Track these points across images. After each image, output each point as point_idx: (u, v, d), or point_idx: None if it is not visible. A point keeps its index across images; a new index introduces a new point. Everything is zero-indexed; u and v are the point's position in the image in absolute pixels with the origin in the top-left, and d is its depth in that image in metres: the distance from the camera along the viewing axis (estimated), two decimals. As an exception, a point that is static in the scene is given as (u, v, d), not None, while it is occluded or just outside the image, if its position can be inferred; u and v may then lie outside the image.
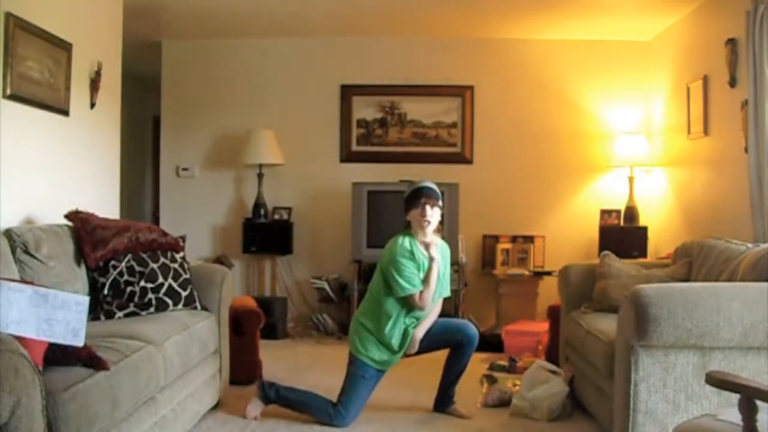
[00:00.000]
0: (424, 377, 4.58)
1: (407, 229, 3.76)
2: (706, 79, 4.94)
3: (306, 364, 4.86)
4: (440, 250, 3.76)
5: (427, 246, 3.70)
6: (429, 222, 3.65)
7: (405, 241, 3.68)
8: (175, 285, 3.62)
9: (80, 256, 3.51)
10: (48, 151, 3.95)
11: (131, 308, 3.48)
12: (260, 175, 6.19)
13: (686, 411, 2.78)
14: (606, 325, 3.45)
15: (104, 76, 4.49)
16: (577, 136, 6.24)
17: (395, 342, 3.67)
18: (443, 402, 3.86)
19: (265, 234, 6.15)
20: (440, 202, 3.73)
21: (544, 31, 6.04)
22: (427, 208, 3.65)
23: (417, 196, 3.68)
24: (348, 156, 6.38)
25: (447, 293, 3.87)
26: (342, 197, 5.95)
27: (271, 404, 3.72)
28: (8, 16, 3.43)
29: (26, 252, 3.17)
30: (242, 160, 6.14)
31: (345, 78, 6.35)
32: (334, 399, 3.67)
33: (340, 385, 3.75)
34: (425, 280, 3.66)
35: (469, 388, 4.24)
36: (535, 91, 6.27)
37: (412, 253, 3.66)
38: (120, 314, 3.45)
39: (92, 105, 4.44)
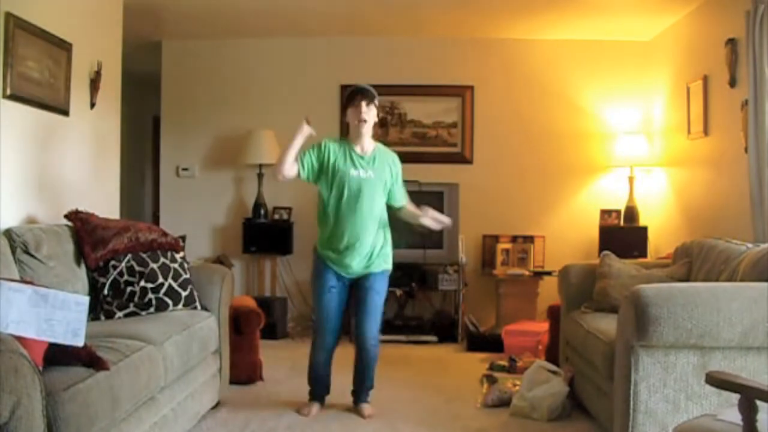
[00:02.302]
0: (424, 377, 4.59)
1: (346, 135, 3.82)
2: (706, 79, 4.94)
3: (306, 364, 4.84)
4: (386, 157, 3.77)
5: (364, 152, 3.72)
6: (365, 119, 3.67)
7: (330, 140, 3.76)
8: (175, 285, 3.62)
9: (80, 256, 3.51)
10: (48, 151, 3.95)
11: (131, 308, 3.48)
12: (260, 175, 6.19)
13: (686, 411, 2.78)
14: (606, 325, 3.45)
15: (104, 76, 4.49)
16: (577, 136, 6.24)
17: (325, 242, 3.71)
18: (354, 397, 3.88)
19: (265, 234, 6.15)
20: (376, 102, 3.74)
21: (544, 31, 6.04)
22: (363, 104, 3.67)
23: (353, 95, 3.72)
24: (348, 156, 6.37)
25: (402, 202, 3.85)
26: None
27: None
28: (8, 16, 3.43)
29: (26, 252, 3.17)
30: (242, 160, 6.14)
31: (345, 78, 6.34)
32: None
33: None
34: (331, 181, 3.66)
35: (469, 388, 4.25)
36: (535, 91, 6.27)
37: (330, 151, 3.68)
38: (120, 314, 3.45)
39: (92, 105, 4.44)
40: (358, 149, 3.71)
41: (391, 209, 3.83)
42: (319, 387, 3.86)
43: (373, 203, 3.67)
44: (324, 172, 3.68)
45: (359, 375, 3.84)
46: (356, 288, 3.76)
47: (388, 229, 3.80)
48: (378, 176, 3.70)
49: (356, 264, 3.69)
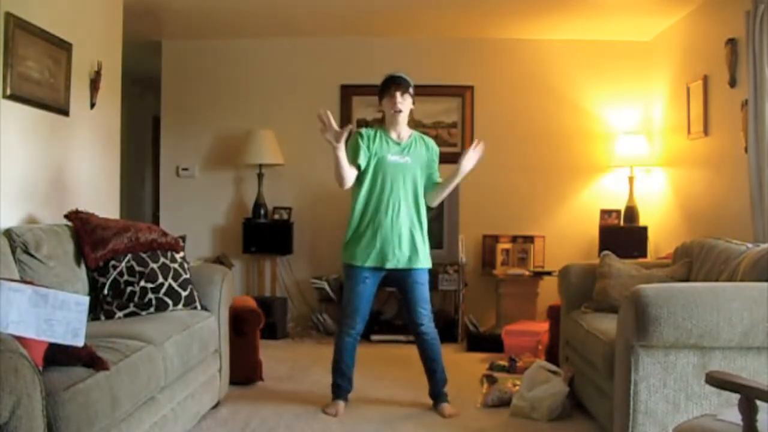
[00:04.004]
0: (424, 377, 4.58)
1: (382, 122, 3.87)
2: (706, 79, 4.94)
3: (306, 364, 4.86)
4: (422, 143, 3.85)
5: (400, 138, 3.78)
6: (400, 110, 3.73)
7: (365, 130, 3.80)
8: (175, 285, 3.62)
9: (80, 256, 3.51)
10: (48, 151, 3.95)
11: (131, 308, 3.48)
12: (260, 175, 6.19)
13: (686, 411, 2.78)
14: (606, 325, 3.45)
15: (104, 76, 4.49)
16: (577, 136, 6.24)
17: (362, 232, 3.74)
18: (433, 400, 3.88)
19: (265, 234, 6.15)
20: (411, 90, 3.78)
21: (545, 31, 6.04)
22: (398, 95, 3.72)
23: (388, 85, 3.75)
24: (348, 156, 6.37)
25: (440, 179, 3.94)
26: (342, 197, 5.93)
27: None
28: (8, 16, 3.43)
29: (26, 252, 3.17)
30: (242, 160, 6.14)
31: (345, 78, 6.35)
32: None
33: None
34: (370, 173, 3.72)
35: (469, 388, 4.25)
36: (535, 91, 6.27)
37: (369, 138, 3.73)
38: (120, 314, 3.45)
39: (92, 105, 4.44)
40: (394, 136, 3.79)
41: (428, 189, 3.87)
42: (343, 380, 3.85)
43: (409, 188, 3.76)
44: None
45: (428, 369, 3.87)
46: (402, 284, 3.79)
47: (426, 228, 3.84)
48: (415, 161, 3.78)
49: (398, 252, 3.71)
